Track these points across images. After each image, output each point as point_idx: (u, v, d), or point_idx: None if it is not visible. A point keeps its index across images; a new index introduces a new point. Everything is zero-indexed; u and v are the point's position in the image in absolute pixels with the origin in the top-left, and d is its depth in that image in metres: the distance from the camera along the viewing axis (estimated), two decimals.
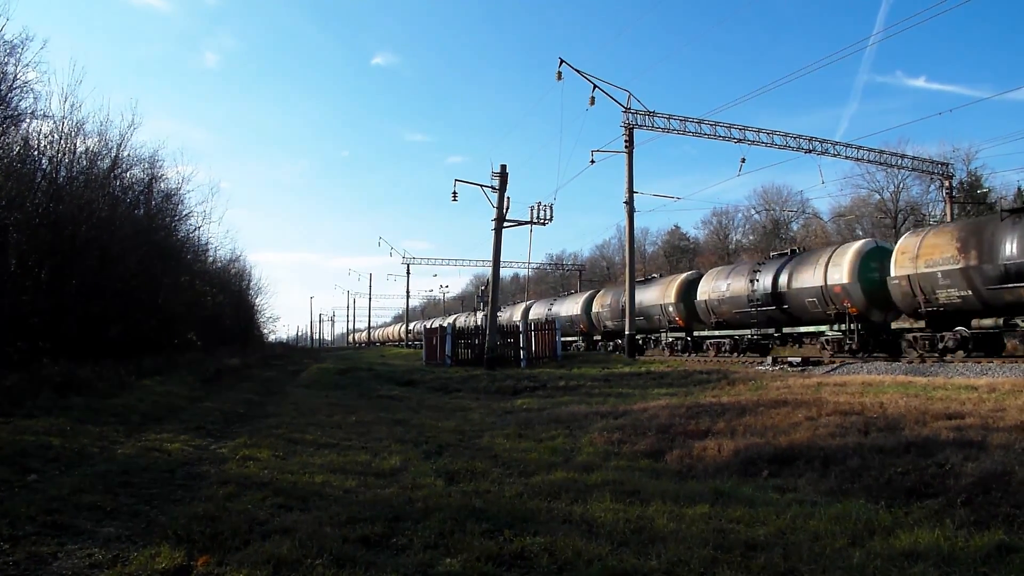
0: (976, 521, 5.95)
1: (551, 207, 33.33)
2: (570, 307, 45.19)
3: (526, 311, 50.54)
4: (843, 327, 24.39)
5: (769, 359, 23.84)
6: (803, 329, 26.84)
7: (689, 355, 32.34)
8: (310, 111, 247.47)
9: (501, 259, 33.09)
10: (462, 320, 64.15)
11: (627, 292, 33.15)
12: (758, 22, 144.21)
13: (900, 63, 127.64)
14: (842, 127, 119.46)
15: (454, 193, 35.18)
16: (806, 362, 22.45)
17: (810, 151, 36.66)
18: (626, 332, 32.71)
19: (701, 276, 34.04)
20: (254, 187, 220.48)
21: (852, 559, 5.08)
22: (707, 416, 11.92)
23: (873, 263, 23.85)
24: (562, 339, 35.63)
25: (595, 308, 40.60)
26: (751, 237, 77.83)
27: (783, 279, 27.08)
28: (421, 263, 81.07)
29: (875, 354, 23.70)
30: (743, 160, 35.36)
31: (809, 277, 25.76)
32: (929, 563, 4.99)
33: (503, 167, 31.39)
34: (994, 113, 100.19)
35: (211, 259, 41.15)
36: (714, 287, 31.40)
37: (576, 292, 52.26)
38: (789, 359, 23.14)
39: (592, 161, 34.59)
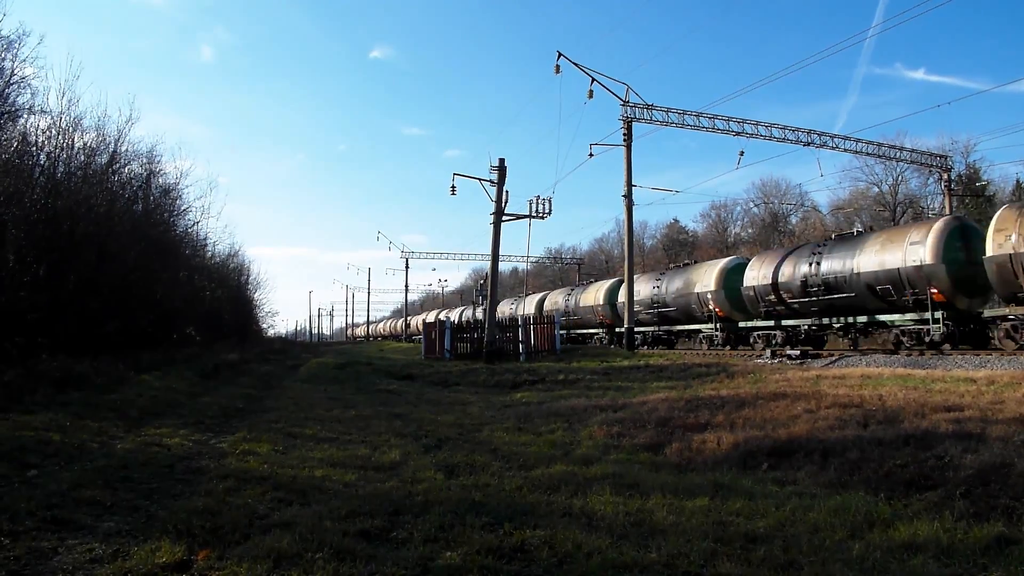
0: (975, 513, 5.96)
1: (550, 201, 33.34)
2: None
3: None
4: (712, 326, 31.04)
5: (768, 352, 23.87)
6: (690, 327, 33.34)
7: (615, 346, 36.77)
8: (307, 105, 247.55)
9: (500, 253, 33.08)
10: (454, 315, 64.15)
11: (627, 285, 33.17)
12: (757, 14, 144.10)
13: (899, 55, 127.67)
14: (841, 120, 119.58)
15: (452, 187, 35.45)
16: (805, 355, 22.50)
17: (809, 144, 36.75)
18: (625, 325, 32.75)
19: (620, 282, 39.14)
20: (252, 181, 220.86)
21: (852, 551, 5.10)
22: (706, 409, 11.92)
23: (735, 275, 30.06)
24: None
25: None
26: (750, 230, 77.81)
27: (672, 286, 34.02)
28: (420, 257, 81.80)
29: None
30: (742, 153, 36.06)
31: (683, 286, 32.79)
32: (928, 555, 5.01)
33: (501, 161, 31.34)
34: (993, 105, 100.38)
35: (209, 254, 41.18)
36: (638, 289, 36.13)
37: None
38: (788, 352, 23.17)
39: (591, 155, 34.65)
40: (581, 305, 42.73)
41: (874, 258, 23.03)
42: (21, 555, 5.24)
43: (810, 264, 25.42)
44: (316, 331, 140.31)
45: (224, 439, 10.78)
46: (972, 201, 48.41)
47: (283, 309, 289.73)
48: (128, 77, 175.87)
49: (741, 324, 29.72)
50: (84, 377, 15.47)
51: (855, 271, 23.49)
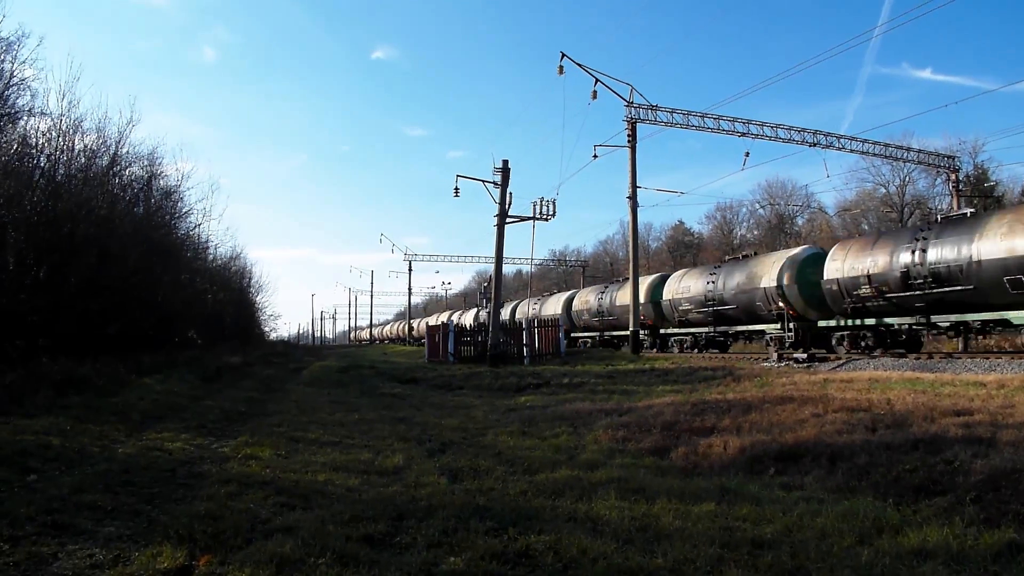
0: (986, 519, 5.93)
1: (553, 202, 33.42)
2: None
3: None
4: (781, 326, 27.04)
5: (775, 355, 23.81)
6: (753, 327, 29.64)
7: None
8: (309, 106, 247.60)
9: (504, 255, 33.12)
10: (467, 317, 64.18)
11: (631, 288, 33.16)
12: (761, 14, 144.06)
13: (906, 54, 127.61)
14: (847, 120, 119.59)
15: (456, 189, 35.22)
16: (812, 358, 22.45)
17: (815, 145, 36.72)
18: (630, 328, 32.71)
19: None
20: (253, 182, 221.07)
21: (860, 557, 5.08)
22: (712, 413, 11.90)
23: (810, 267, 26.67)
24: None
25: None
26: (756, 232, 77.84)
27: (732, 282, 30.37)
28: (423, 259, 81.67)
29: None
30: (747, 154, 35.37)
31: (745, 281, 29.20)
32: (938, 562, 4.99)
33: (505, 162, 31.40)
34: (1001, 105, 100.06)
35: (211, 257, 41.26)
36: (679, 287, 34.16)
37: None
38: (795, 355, 23.12)
39: (595, 156, 34.60)
40: (617, 304, 38.58)
41: (1000, 244, 19.33)
42: (21, 560, 5.24)
43: (912, 252, 21.90)
44: (319, 334, 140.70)
45: (226, 443, 10.78)
46: (980, 202, 48.31)
47: (285, 312, 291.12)
48: (129, 78, 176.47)
49: (821, 323, 26.04)
50: (85, 380, 15.49)
51: (974, 259, 19.91)
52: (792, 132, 36.15)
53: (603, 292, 42.30)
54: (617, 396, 16.66)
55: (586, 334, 43.53)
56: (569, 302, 46.55)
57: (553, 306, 47.84)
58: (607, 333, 41.23)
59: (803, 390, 14.27)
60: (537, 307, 50.50)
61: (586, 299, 44.15)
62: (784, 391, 14.35)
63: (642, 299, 34.86)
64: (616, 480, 7.80)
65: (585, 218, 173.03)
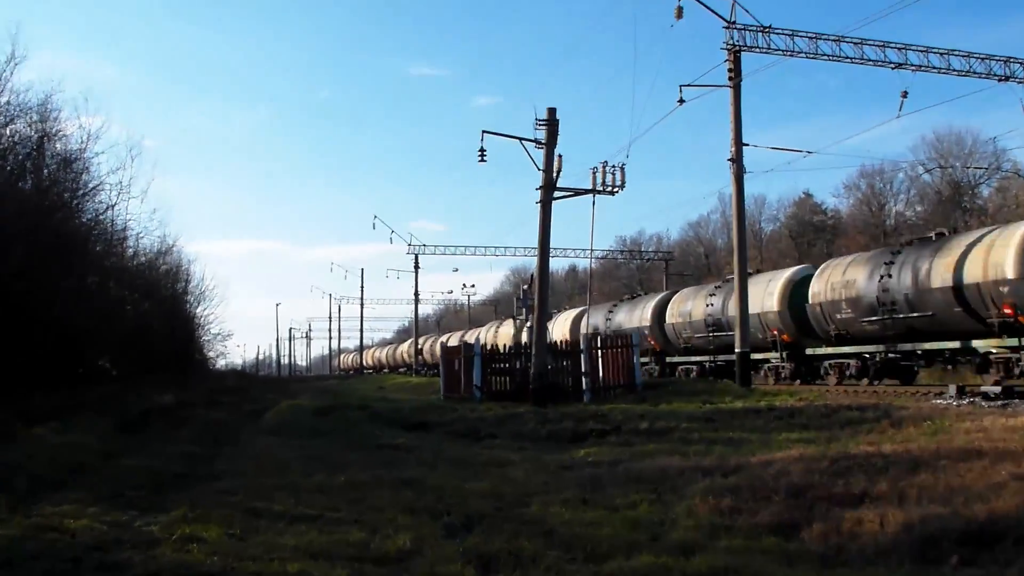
0: None
1: (622, 168, 33.27)
2: None
3: None
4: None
5: (953, 389, 23.53)
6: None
7: None
8: (271, 38, 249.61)
9: (551, 244, 33.05)
10: (494, 333, 64.33)
11: (737, 290, 32.96)
12: None
13: None
14: None
15: (482, 151, 34.82)
16: (1010, 393, 22.13)
17: (1007, 79, 36.21)
18: (737, 349, 32.49)
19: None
20: (192, 147, 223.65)
21: None
22: (862, 473, 11.78)
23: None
24: None
25: None
26: (918, 208, 77.17)
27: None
28: (435, 252, 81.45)
29: None
30: (904, 94, 34.91)
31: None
32: None
33: (551, 112, 31.25)
34: None
35: (131, 251, 41.81)
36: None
37: None
38: (983, 390, 22.82)
39: (680, 100, 34.42)
40: (934, 287, 29.25)
41: None
42: None
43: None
44: (287, 360, 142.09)
45: (155, 519, 10.81)
46: None
47: (239, 330, 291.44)
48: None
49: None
50: None
51: None
52: (972, 61, 35.77)
53: (890, 264, 32.62)
54: (719, 447, 16.59)
55: (868, 348, 34.19)
56: (803, 285, 36.83)
57: (763, 296, 38.58)
58: (898, 346, 32.41)
59: (997, 440, 14.06)
60: (719, 302, 42.35)
61: (854, 277, 34.38)
62: (968, 440, 14.18)
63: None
64: (722, 570, 7.75)
65: (667, 192, 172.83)
